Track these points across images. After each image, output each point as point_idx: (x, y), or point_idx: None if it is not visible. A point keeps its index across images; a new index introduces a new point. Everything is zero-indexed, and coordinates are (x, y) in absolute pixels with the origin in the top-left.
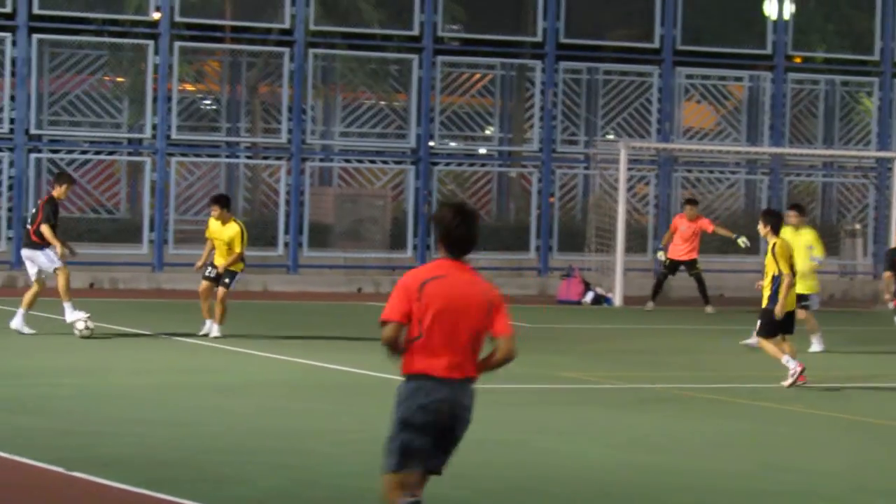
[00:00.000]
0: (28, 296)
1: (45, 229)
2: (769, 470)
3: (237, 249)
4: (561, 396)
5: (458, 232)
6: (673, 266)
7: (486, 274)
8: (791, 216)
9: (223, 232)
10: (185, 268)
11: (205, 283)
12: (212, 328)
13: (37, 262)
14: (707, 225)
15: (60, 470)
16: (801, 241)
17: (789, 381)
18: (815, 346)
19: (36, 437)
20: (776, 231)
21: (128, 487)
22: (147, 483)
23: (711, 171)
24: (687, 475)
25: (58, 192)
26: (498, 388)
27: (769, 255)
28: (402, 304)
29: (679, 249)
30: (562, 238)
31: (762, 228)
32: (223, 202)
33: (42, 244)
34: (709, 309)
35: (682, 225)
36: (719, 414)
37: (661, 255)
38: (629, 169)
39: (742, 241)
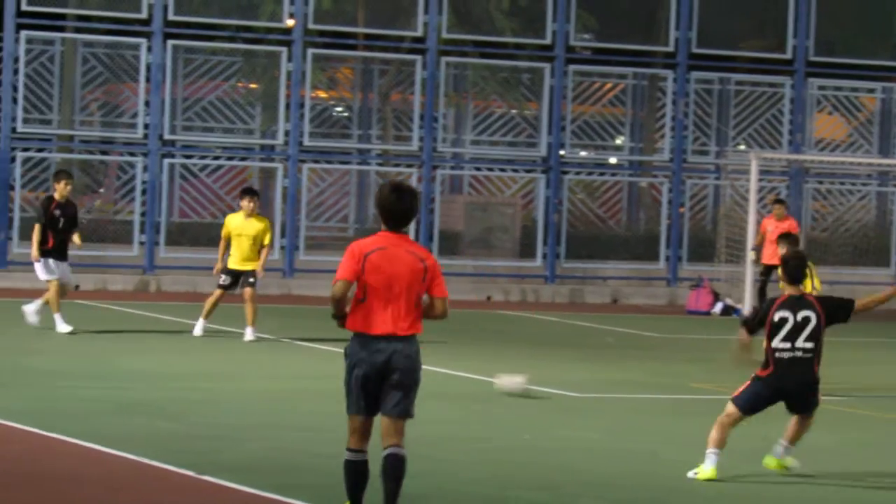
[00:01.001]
0: (48, 297)
1: (35, 230)
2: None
3: (267, 242)
4: (690, 407)
5: (395, 207)
6: (768, 271)
7: (615, 283)
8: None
9: (251, 226)
10: (316, 274)
11: (219, 292)
12: (246, 331)
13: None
14: (794, 227)
15: (191, 473)
16: None
17: None
18: None
19: (168, 440)
20: None
21: (257, 492)
22: (276, 488)
23: (843, 183)
24: (814, 487)
25: (58, 191)
26: (628, 397)
27: None
28: (351, 266)
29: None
30: (691, 248)
31: None
32: (258, 194)
33: (49, 251)
34: None
35: (771, 226)
36: (848, 425)
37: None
38: (760, 180)
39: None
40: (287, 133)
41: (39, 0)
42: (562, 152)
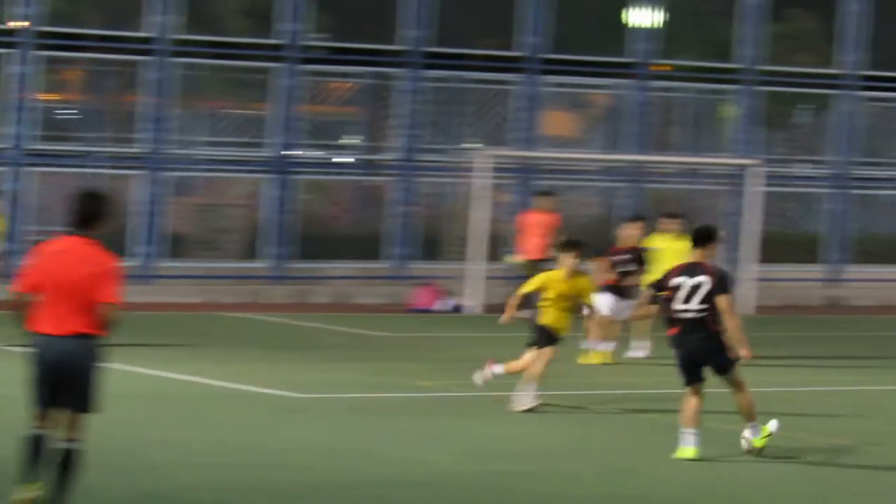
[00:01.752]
0: None
1: None
2: (614, 473)
3: None
4: (413, 405)
5: (77, 211)
6: (534, 265)
7: (342, 283)
8: (672, 223)
9: None
10: None
11: None
12: None
13: None
14: (558, 220)
15: None
16: (680, 248)
17: None
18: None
19: None
20: None
21: None
22: None
23: (573, 179)
24: (535, 481)
25: None
26: (353, 397)
27: None
28: (28, 276)
29: (535, 247)
30: (421, 246)
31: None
32: None
33: None
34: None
35: (533, 219)
36: (568, 420)
37: (513, 258)
38: (491, 177)
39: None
40: (13, 136)
41: None
42: (292, 152)
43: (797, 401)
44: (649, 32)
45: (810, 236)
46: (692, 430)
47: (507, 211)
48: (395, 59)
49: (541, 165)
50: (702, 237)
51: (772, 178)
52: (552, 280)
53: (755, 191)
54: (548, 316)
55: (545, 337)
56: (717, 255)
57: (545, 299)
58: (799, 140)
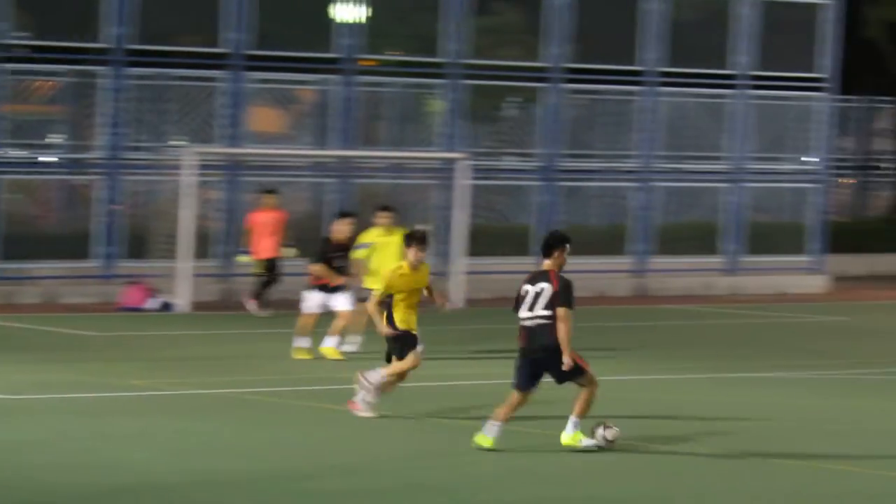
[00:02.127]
0: None
1: None
2: (324, 470)
3: None
4: (126, 404)
5: None
6: (269, 264)
7: (50, 282)
8: (385, 216)
9: None
10: None
11: None
12: None
13: None
14: (284, 217)
15: None
16: (394, 242)
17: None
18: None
19: None
20: None
21: None
22: None
23: (282, 176)
24: (247, 478)
25: None
26: (66, 397)
27: None
28: None
29: (266, 246)
30: (129, 245)
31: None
32: None
33: None
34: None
35: (261, 218)
36: (282, 418)
37: (244, 259)
38: (198, 174)
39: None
40: None
41: None
42: None
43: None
44: (354, 28)
45: (520, 228)
46: (498, 424)
47: (215, 208)
48: (98, 56)
49: (248, 162)
50: (547, 246)
51: (479, 172)
52: (398, 277)
53: (463, 184)
54: (400, 316)
55: (407, 340)
56: (564, 262)
57: (396, 298)
58: (506, 133)
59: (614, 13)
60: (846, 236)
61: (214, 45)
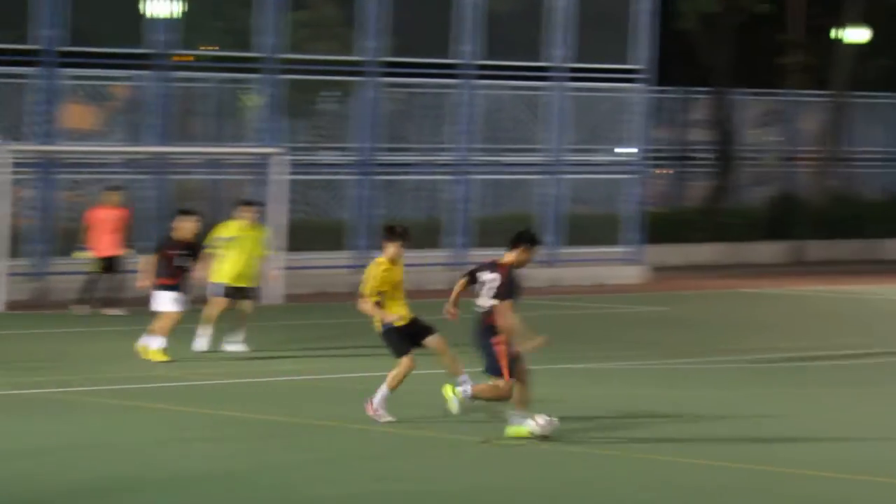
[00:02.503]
0: None
1: None
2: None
3: None
4: None
5: None
6: (107, 262)
7: None
8: (248, 211)
9: None
10: None
11: None
12: None
13: None
14: (127, 214)
15: None
16: (259, 236)
17: None
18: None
19: None
20: None
21: None
22: None
23: (96, 173)
24: (64, 480)
25: None
26: None
27: None
28: None
29: (107, 244)
30: None
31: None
32: None
33: None
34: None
35: (103, 215)
36: (106, 415)
37: (83, 255)
38: (11, 172)
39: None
40: None
41: None
42: None
43: (325, 387)
44: (168, 23)
45: (337, 223)
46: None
47: (28, 206)
48: None
49: (62, 159)
50: (515, 238)
51: (297, 167)
52: (383, 273)
53: (280, 179)
54: (396, 312)
55: (419, 329)
56: (526, 261)
57: (385, 296)
58: (323, 127)
59: (430, 6)
60: (664, 227)
61: (25, 41)
